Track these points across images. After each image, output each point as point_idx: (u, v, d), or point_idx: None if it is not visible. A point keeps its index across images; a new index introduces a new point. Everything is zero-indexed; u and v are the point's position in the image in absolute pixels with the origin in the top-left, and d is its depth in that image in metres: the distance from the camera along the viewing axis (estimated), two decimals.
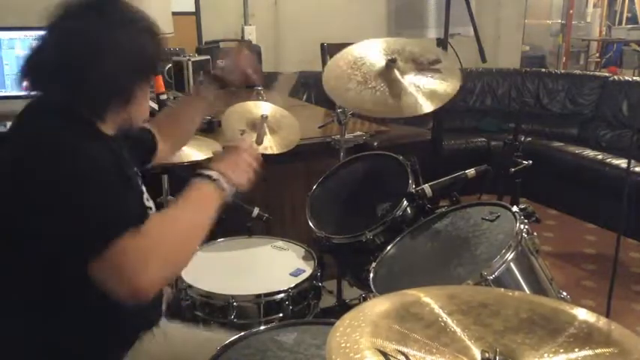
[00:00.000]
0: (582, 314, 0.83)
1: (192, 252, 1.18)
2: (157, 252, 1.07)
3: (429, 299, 0.86)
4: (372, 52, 1.87)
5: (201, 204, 1.20)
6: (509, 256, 1.34)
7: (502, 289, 0.95)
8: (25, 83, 1.19)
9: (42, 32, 1.20)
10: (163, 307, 1.51)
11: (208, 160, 1.39)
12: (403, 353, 0.74)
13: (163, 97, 2.10)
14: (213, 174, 1.21)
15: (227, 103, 2.21)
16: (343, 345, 0.75)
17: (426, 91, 1.79)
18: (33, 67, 1.19)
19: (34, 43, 1.20)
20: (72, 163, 1.10)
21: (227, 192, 1.22)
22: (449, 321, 0.81)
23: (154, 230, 1.10)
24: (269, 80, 3.69)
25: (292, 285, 1.71)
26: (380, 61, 1.84)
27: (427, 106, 1.74)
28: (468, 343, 0.77)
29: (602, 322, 0.81)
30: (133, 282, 1.03)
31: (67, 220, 1.07)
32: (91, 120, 1.21)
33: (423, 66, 1.79)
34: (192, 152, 1.98)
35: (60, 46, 1.17)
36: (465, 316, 0.82)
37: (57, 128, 1.15)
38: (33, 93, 1.20)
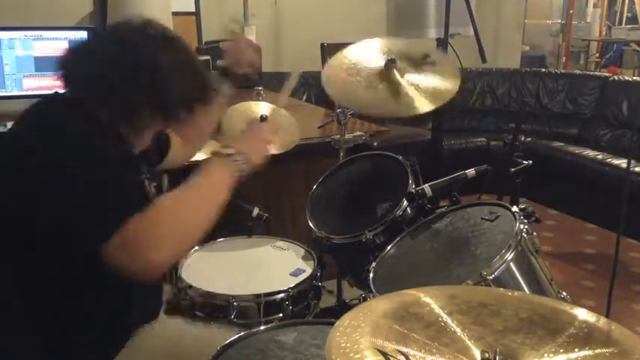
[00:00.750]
0: (582, 314, 0.83)
1: (203, 229, 1.18)
2: (169, 229, 1.09)
3: (429, 299, 0.86)
4: (369, 54, 1.88)
5: (215, 183, 1.24)
6: (509, 256, 1.34)
7: (502, 289, 0.95)
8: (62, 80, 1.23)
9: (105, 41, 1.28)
10: (163, 299, 1.52)
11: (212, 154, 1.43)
12: (403, 353, 0.74)
13: None
14: (234, 154, 1.27)
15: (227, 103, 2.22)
16: (343, 345, 0.75)
17: (425, 90, 1.79)
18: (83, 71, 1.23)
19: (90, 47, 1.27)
20: (83, 149, 1.13)
21: (244, 172, 1.26)
22: (449, 321, 0.81)
23: (167, 207, 1.12)
24: (277, 79, 3.70)
25: (292, 285, 1.71)
26: (378, 62, 1.85)
27: (427, 106, 1.74)
28: (468, 343, 0.77)
29: (602, 322, 0.81)
30: (146, 258, 1.05)
31: (80, 202, 1.08)
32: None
33: (416, 62, 1.79)
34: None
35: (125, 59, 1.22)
36: (465, 316, 0.82)
37: (76, 122, 1.18)
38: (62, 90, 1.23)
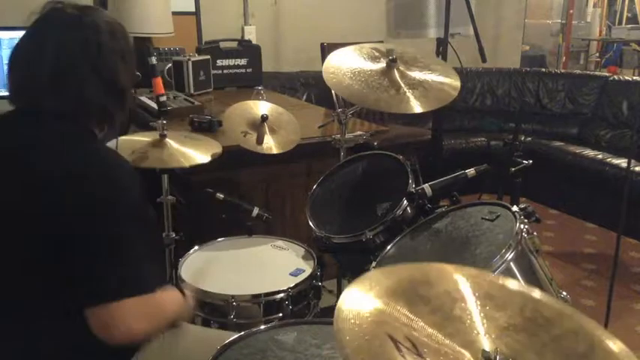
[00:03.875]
0: (587, 324, 0.81)
1: (160, 331, 1.32)
2: (146, 321, 1.21)
3: (439, 277, 0.85)
4: (367, 57, 1.89)
5: (183, 305, 1.39)
6: (509, 255, 1.34)
7: (511, 281, 0.93)
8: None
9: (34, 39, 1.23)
10: None
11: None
12: (412, 342, 0.73)
13: (163, 98, 2.10)
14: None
15: (227, 103, 2.22)
16: (352, 322, 0.74)
17: (426, 90, 1.80)
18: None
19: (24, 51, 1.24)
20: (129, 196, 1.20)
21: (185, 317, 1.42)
22: (455, 309, 0.80)
23: (156, 301, 1.24)
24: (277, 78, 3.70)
25: (292, 285, 1.71)
26: (379, 63, 1.85)
27: (427, 106, 1.75)
28: (472, 337, 0.76)
29: (606, 337, 0.79)
30: (117, 337, 1.16)
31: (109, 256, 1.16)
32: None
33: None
34: (192, 153, 1.98)
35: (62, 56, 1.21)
36: (472, 306, 0.81)
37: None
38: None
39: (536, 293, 0.87)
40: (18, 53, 1.24)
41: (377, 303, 0.79)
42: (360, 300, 0.79)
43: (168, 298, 1.32)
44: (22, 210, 1.16)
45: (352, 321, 0.74)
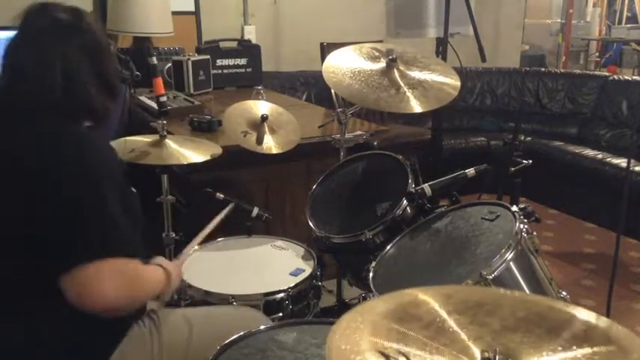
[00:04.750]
0: (580, 313, 0.83)
1: (137, 304, 1.32)
2: (122, 287, 1.20)
3: (426, 298, 0.86)
4: (367, 57, 1.89)
5: (163, 279, 1.38)
6: (509, 255, 1.34)
7: (497, 288, 0.95)
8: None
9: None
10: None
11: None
12: (404, 354, 0.74)
13: (163, 98, 2.10)
14: (169, 275, 1.40)
15: (227, 103, 2.22)
16: (344, 347, 0.75)
17: (426, 90, 1.80)
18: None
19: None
20: (94, 164, 1.21)
21: (166, 290, 1.40)
22: (447, 321, 0.81)
23: (133, 269, 1.26)
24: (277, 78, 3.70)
25: (292, 284, 1.71)
26: (379, 62, 1.86)
27: (427, 105, 1.75)
28: (467, 342, 0.77)
29: (600, 320, 0.80)
30: (91, 302, 1.16)
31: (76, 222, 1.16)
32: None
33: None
34: (192, 154, 1.98)
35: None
36: (462, 316, 0.82)
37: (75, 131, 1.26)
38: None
39: (525, 294, 0.88)
40: (22, 62, 1.26)
41: (367, 326, 0.79)
42: (351, 329, 0.80)
43: (147, 270, 1.33)
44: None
45: (343, 347, 0.75)
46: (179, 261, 1.64)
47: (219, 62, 3.57)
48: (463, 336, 0.78)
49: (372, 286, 1.49)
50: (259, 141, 2.06)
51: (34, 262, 1.18)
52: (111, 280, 1.17)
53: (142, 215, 1.39)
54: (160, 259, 1.43)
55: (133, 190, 1.39)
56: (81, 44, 1.26)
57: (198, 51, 3.54)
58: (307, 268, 1.82)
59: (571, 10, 6.25)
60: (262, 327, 1.36)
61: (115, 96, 1.35)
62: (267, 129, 2.11)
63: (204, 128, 2.51)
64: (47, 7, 1.28)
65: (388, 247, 1.64)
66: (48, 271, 1.15)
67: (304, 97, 4.19)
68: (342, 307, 2.26)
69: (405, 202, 1.74)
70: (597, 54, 7.03)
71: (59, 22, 1.26)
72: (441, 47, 2.58)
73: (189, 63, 3.25)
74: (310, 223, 1.90)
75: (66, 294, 1.15)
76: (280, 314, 1.68)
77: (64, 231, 1.16)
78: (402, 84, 1.81)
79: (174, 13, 3.52)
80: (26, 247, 1.18)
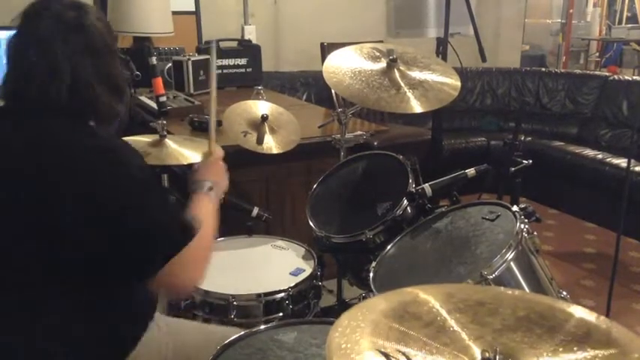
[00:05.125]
0: (580, 313, 0.83)
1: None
2: (202, 263, 1.27)
3: (427, 297, 0.86)
4: (367, 57, 1.89)
5: (211, 214, 1.39)
6: (510, 255, 1.34)
7: (498, 288, 0.95)
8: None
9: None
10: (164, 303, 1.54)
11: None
12: (404, 353, 0.74)
13: (163, 98, 2.10)
14: (210, 185, 1.43)
15: (227, 103, 2.22)
16: (344, 346, 0.75)
17: (426, 90, 1.80)
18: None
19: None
20: (134, 172, 1.21)
21: (219, 198, 1.45)
22: (447, 320, 0.81)
23: (201, 243, 1.26)
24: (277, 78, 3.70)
25: (292, 284, 1.71)
26: (379, 62, 1.86)
27: (427, 105, 1.75)
28: (468, 342, 0.77)
29: (601, 320, 0.80)
30: (181, 288, 1.27)
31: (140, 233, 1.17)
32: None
33: None
34: (192, 153, 1.98)
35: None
36: (463, 315, 0.82)
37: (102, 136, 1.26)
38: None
39: (525, 293, 0.88)
40: (25, 64, 1.22)
41: (367, 325, 0.79)
42: (351, 328, 0.79)
43: (208, 226, 1.33)
44: (35, 201, 1.15)
45: (343, 346, 0.75)
46: (209, 162, 1.57)
47: (219, 62, 3.57)
48: (463, 335, 0.78)
49: (372, 286, 1.49)
50: (259, 141, 2.06)
51: (88, 280, 1.18)
52: (194, 266, 1.23)
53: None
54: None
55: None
56: (86, 44, 1.22)
57: (199, 51, 3.54)
58: (307, 268, 1.82)
59: (571, 10, 6.25)
60: (262, 327, 1.36)
61: (121, 96, 1.33)
62: (267, 129, 2.10)
63: (204, 128, 2.51)
64: (50, 3, 1.24)
65: (388, 247, 1.64)
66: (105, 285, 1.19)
67: (304, 97, 4.19)
68: (342, 307, 2.26)
69: (405, 201, 1.74)
70: (597, 54, 7.03)
71: (63, 20, 1.22)
72: (441, 47, 2.57)
73: (190, 63, 3.25)
74: (310, 223, 1.90)
75: (153, 288, 1.24)
76: (280, 314, 1.68)
77: (135, 248, 1.17)
78: (402, 84, 1.81)
79: (174, 13, 3.52)
80: (84, 267, 1.16)
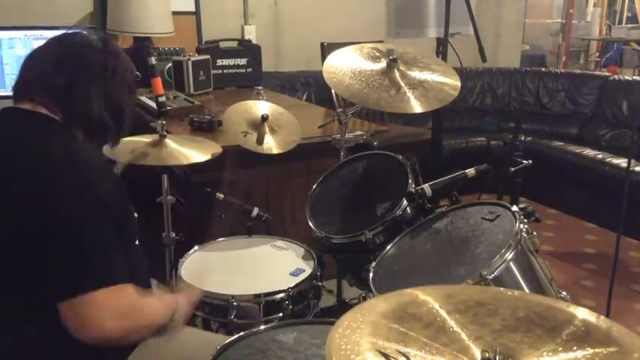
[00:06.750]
0: (580, 313, 0.83)
1: (141, 337, 1.29)
2: (122, 320, 1.17)
3: (427, 298, 0.86)
4: (367, 57, 1.89)
5: (165, 312, 1.30)
6: (509, 255, 1.34)
7: (498, 288, 0.95)
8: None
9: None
10: None
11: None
12: (404, 354, 0.74)
13: (162, 98, 2.10)
14: (178, 311, 1.33)
15: (227, 103, 2.22)
16: (344, 347, 0.75)
17: (426, 90, 1.80)
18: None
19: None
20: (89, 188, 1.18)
21: (173, 321, 1.32)
22: (447, 320, 0.81)
23: (133, 302, 1.20)
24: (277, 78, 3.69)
25: (292, 285, 1.71)
26: (379, 62, 1.86)
27: (427, 106, 1.75)
28: (468, 342, 0.77)
29: (601, 320, 0.81)
30: (90, 333, 1.13)
31: (70, 251, 1.14)
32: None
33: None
34: (192, 153, 1.98)
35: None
36: (463, 316, 0.82)
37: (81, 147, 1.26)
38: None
39: (525, 294, 0.87)
40: (38, 57, 1.30)
41: (367, 326, 0.79)
42: (351, 329, 0.79)
43: (147, 301, 1.28)
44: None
45: (343, 347, 0.75)
46: (189, 293, 1.52)
47: (219, 62, 3.57)
48: (463, 336, 0.78)
49: (372, 286, 1.49)
50: (259, 141, 2.06)
51: (33, 284, 1.15)
52: (111, 314, 1.14)
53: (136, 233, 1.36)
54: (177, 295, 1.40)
55: (131, 208, 1.37)
56: (99, 61, 1.29)
57: (199, 51, 3.54)
58: (307, 268, 1.82)
59: (571, 10, 6.25)
60: (262, 327, 1.36)
61: (118, 117, 1.34)
62: (267, 129, 2.11)
63: (204, 128, 2.51)
64: (82, 31, 1.35)
65: (388, 247, 1.64)
66: (47, 296, 1.14)
67: (304, 97, 4.19)
68: (342, 307, 2.26)
69: (405, 202, 1.74)
70: (597, 54, 7.03)
71: (87, 40, 1.31)
72: (441, 47, 2.57)
73: (190, 63, 3.25)
74: (310, 223, 1.90)
75: (65, 323, 1.13)
76: (280, 314, 1.69)
77: (62, 259, 1.14)
78: (402, 84, 1.81)
79: (174, 13, 3.53)
80: (23, 270, 1.15)
